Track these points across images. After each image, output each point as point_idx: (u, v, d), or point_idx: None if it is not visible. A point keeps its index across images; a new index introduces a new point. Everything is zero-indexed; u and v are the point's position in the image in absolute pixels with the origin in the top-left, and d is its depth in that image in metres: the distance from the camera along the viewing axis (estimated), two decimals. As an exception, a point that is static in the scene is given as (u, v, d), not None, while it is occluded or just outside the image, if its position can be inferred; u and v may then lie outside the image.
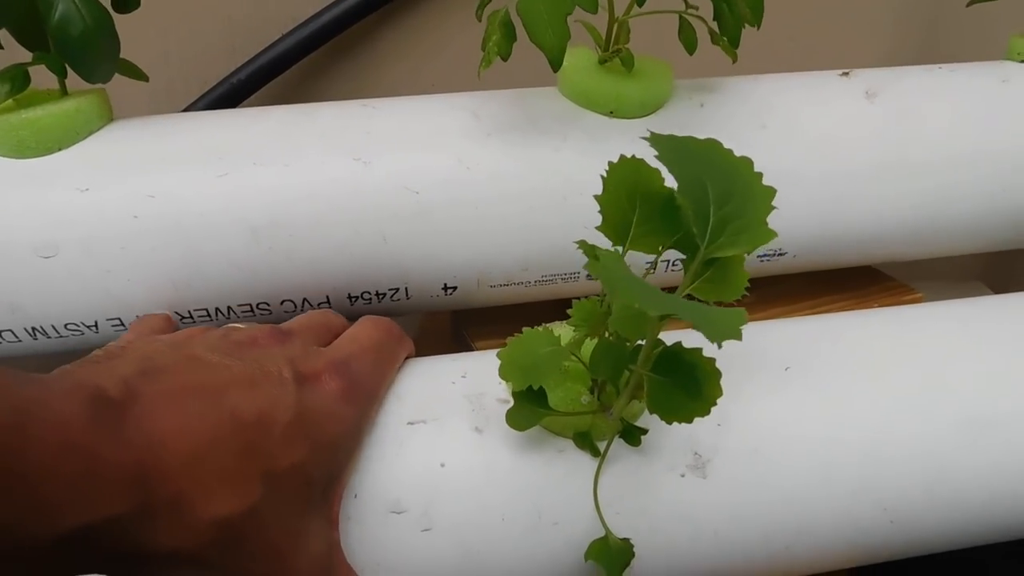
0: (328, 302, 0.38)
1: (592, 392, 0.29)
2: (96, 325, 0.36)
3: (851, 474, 0.31)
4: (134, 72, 0.38)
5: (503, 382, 0.30)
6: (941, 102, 0.41)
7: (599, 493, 0.28)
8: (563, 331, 0.30)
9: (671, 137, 0.23)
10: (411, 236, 0.36)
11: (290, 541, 0.26)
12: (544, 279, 0.39)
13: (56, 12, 0.33)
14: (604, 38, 0.38)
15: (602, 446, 0.29)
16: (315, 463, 0.27)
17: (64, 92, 0.36)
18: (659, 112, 0.39)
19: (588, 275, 0.34)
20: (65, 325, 0.36)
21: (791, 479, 0.30)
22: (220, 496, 0.24)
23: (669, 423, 0.25)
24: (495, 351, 0.28)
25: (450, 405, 0.31)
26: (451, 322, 0.50)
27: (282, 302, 0.37)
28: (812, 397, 0.32)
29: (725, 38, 0.37)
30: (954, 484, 0.32)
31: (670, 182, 0.23)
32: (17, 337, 0.36)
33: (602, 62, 0.38)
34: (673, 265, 0.40)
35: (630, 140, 0.38)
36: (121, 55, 0.36)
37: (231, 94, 0.49)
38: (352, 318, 0.34)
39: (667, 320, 0.23)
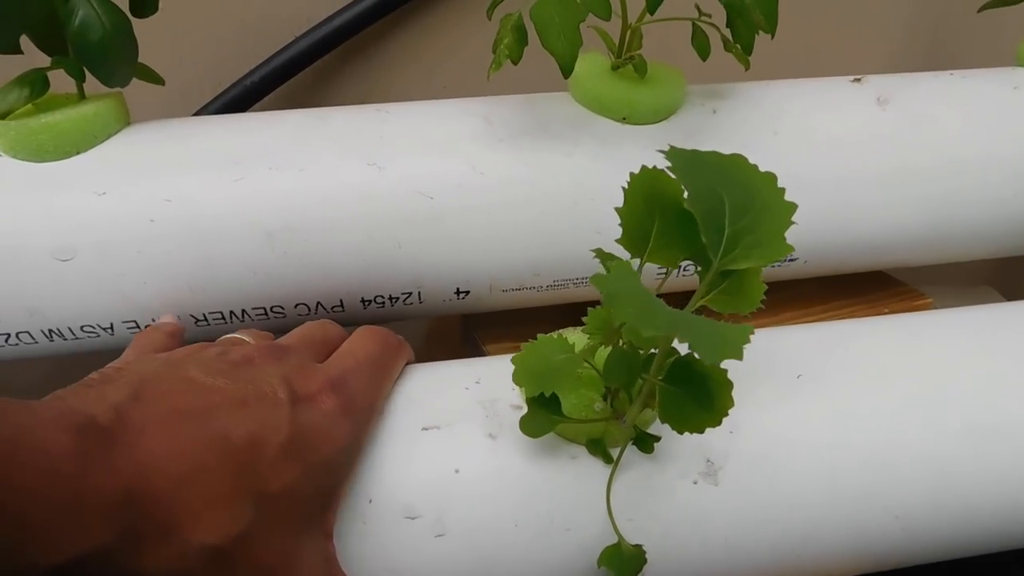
0: (341, 306, 0.38)
1: (605, 399, 0.29)
2: (112, 327, 0.36)
3: (862, 481, 0.31)
4: (151, 76, 0.38)
5: (516, 388, 0.31)
6: (952, 108, 0.41)
7: (611, 499, 0.28)
8: (577, 338, 0.30)
9: (686, 150, 0.23)
10: (424, 241, 0.37)
11: (284, 560, 0.26)
12: (555, 284, 0.39)
13: (76, 17, 0.33)
14: (617, 44, 0.38)
15: (615, 453, 0.29)
16: (309, 482, 0.26)
17: (82, 96, 0.36)
18: (671, 118, 0.39)
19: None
20: (81, 327, 0.36)
21: (803, 486, 0.30)
22: (211, 520, 0.24)
23: (680, 433, 0.25)
24: (508, 356, 0.28)
25: (464, 411, 0.31)
26: (460, 325, 0.51)
27: (296, 305, 0.37)
28: (824, 404, 0.32)
29: (738, 45, 0.37)
30: (964, 491, 0.32)
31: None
32: (34, 339, 0.36)
33: (615, 68, 0.39)
34: (689, 270, 0.40)
35: (642, 146, 0.38)
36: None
37: (244, 96, 0.50)
38: (365, 322, 0.34)
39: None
